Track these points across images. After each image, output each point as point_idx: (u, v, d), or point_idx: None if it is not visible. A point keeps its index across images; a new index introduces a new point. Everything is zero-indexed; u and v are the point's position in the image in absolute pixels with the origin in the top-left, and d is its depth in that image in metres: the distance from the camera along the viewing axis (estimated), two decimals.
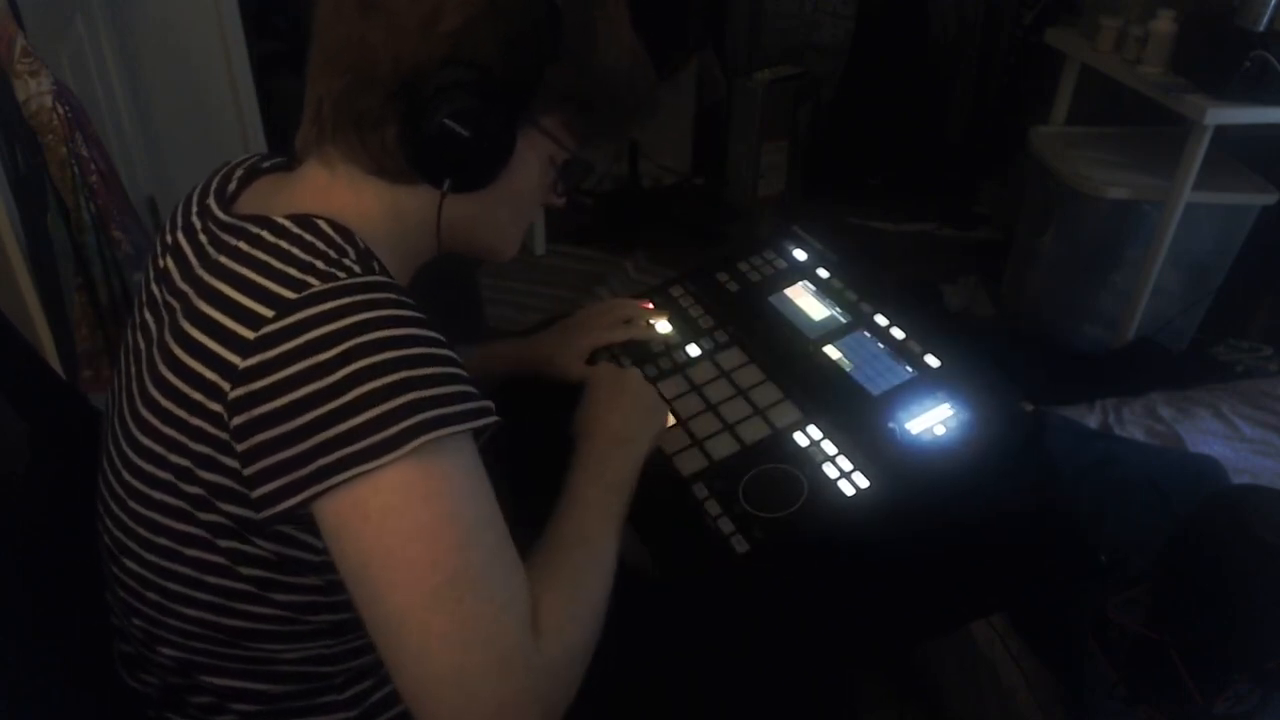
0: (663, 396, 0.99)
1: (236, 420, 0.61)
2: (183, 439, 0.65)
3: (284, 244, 0.66)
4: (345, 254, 0.66)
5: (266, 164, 0.81)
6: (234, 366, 0.62)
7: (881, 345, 1.04)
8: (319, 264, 0.64)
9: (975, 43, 3.10)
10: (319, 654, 0.74)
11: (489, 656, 0.60)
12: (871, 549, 0.87)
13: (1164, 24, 2.05)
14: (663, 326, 1.11)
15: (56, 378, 0.95)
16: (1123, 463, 1.54)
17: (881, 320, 1.07)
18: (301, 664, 0.74)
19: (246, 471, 0.62)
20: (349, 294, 0.62)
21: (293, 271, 0.64)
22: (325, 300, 0.61)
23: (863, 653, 1.13)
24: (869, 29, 3.24)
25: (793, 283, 1.15)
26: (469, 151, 0.68)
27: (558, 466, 0.82)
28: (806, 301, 1.12)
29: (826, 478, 0.90)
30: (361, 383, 0.59)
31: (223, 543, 0.67)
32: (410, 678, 0.60)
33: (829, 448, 0.93)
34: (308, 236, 0.66)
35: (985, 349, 1.01)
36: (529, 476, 0.84)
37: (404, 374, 0.60)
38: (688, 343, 1.09)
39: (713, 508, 0.89)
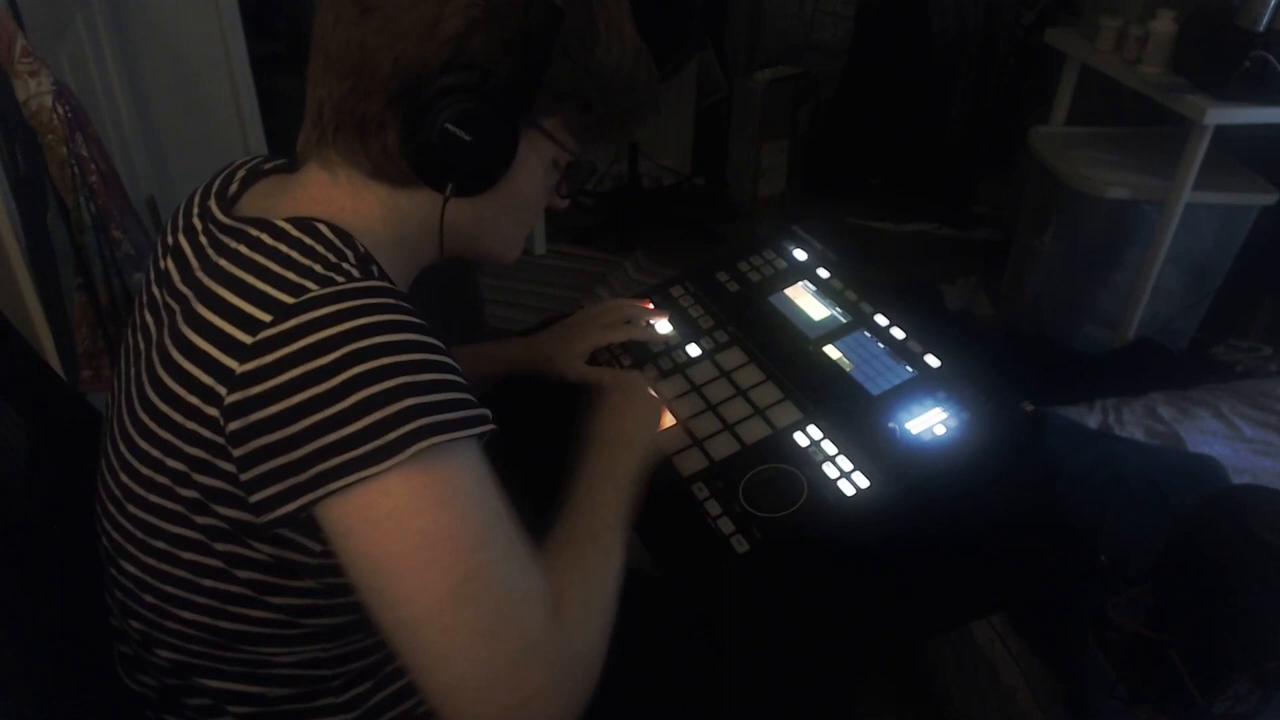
0: (663, 397, 0.99)
1: (232, 425, 0.61)
2: (178, 443, 0.65)
3: (283, 247, 0.66)
4: (344, 258, 0.66)
5: (269, 165, 0.80)
6: (231, 371, 0.61)
7: (882, 345, 1.04)
8: (317, 268, 0.64)
9: (975, 43, 3.09)
10: (316, 657, 0.74)
11: (514, 647, 0.60)
12: (871, 549, 0.87)
13: (1164, 24, 2.05)
14: (663, 326, 1.11)
15: (56, 378, 0.95)
16: (1123, 463, 1.54)
17: (881, 320, 1.07)
18: (298, 667, 0.74)
19: (244, 477, 0.62)
20: (347, 298, 0.61)
21: (291, 275, 0.63)
22: (323, 305, 0.61)
23: (863, 653, 1.12)
24: (869, 29, 3.24)
25: (793, 283, 1.15)
26: (471, 155, 0.68)
27: (558, 466, 0.82)
28: (806, 301, 1.12)
29: (826, 478, 0.90)
30: (360, 388, 0.59)
31: (219, 546, 0.67)
32: (436, 680, 0.59)
33: (829, 448, 0.93)
34: (307, 240, 0.66)
35: (985, 349, 1.01)
36: (529, 477, 0.84)
37: (403, 379, 0.60)
38: (688, 343, 1.09)
39: (713, 508, 0.89)
